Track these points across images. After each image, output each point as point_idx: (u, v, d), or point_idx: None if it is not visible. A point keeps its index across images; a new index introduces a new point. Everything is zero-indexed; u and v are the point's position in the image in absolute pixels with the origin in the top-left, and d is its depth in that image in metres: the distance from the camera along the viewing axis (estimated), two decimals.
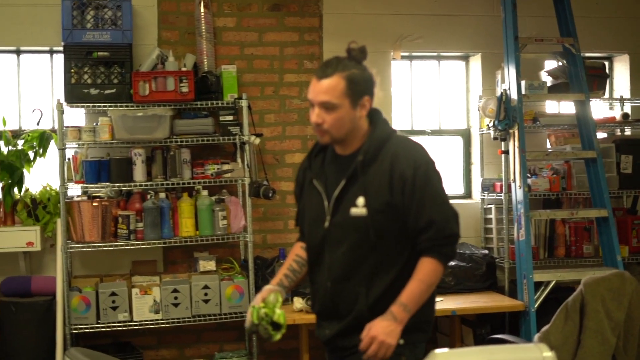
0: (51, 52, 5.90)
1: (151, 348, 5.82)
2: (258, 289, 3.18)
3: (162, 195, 5.47)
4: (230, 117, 5.56)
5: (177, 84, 5.34)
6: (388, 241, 2.98)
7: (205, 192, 5.51)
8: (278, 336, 2.98)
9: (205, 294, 5.37)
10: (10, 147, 5.42)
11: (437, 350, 3.05)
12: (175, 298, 5.36)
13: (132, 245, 5.39)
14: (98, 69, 5.40)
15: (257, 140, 5.59)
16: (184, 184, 5.46)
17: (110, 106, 5.35)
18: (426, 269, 2.95)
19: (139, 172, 5.39)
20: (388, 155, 2.99)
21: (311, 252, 3.18)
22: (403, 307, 2.91)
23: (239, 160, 5.53)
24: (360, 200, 2.97)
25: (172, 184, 5.45)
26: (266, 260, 5.74)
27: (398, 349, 2.93)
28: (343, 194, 3.03)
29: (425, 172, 2.96)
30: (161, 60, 5.50)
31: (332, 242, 3.05)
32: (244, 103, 5.52)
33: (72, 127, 5.36)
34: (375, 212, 2.96)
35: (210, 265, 5.58)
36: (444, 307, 5.37)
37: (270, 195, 5.38)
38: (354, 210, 2.98)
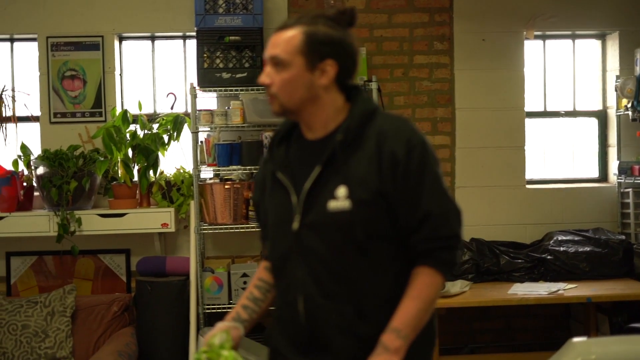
0: (184, 37, 6.03)
1: None
2: None
3: None
4: None
5: None
6: (379, 242, 2.38)
7: None
8: None
9: None
10: (146, 131, 5.58)
11: (575, 339, 2.95)
12: None
13: None
14: (230, 54, 5.48)
15: None
16: None
17: (241, 90, 5.42)
18: (422, 283, 2.36)
19: None
20: (374, 134, 2.39)
21: (276, 265, 2.53)
22: (396, 333, 2.31)
23: None
24: (341, 191, 2.35)
25: None
26: None
27: None
28: (317, 185, 2.39)
29: (421, 153, 2.37)
30: None
31: (303, 248, 2.40)
32: (373, 85, 5.49)
33: (204, 110, 5.45)
34: (362, 204, 2.34)
35: None
36: (578, 294, 5.25)
37: None
38: (333, 204, 2.35)
